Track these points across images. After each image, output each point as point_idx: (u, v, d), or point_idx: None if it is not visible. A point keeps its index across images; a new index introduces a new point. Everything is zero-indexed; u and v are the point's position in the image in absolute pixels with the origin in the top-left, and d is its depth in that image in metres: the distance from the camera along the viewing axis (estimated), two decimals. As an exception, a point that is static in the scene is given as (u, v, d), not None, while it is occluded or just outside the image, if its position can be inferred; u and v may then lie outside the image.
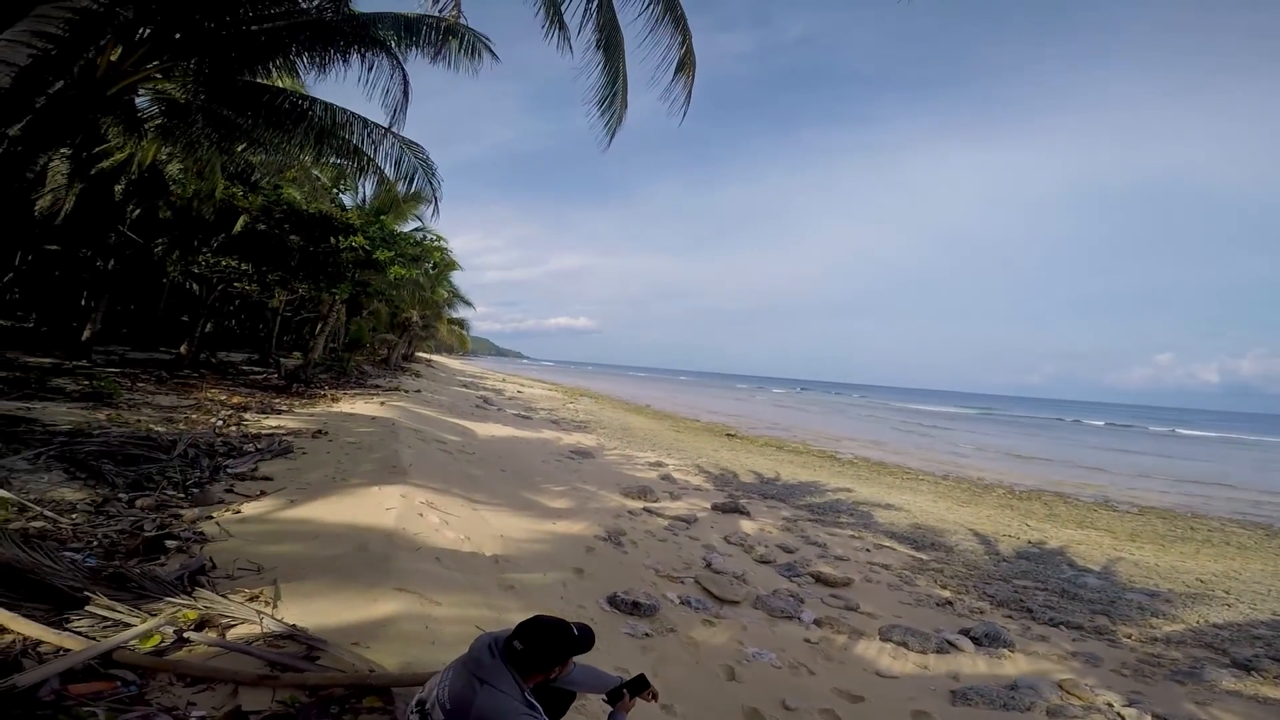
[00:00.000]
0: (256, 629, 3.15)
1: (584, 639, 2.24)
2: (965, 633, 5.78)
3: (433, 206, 10.52)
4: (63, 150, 11.23)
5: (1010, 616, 6.78)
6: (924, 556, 9.08)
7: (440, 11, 7.25)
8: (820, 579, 7.15)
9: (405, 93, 8.05)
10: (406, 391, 20.82)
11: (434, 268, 26.43)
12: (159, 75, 7.31)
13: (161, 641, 2.93)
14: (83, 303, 20.75)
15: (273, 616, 3.29)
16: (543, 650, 2.11)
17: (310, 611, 3.44)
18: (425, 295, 28.03)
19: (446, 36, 7.74)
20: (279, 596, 3.63)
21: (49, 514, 4.50)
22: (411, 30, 7.77)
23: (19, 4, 5.86)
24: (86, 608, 3.09)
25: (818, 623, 5.72)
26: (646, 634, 4.76)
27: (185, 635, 3.01)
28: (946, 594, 7.35)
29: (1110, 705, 4.41)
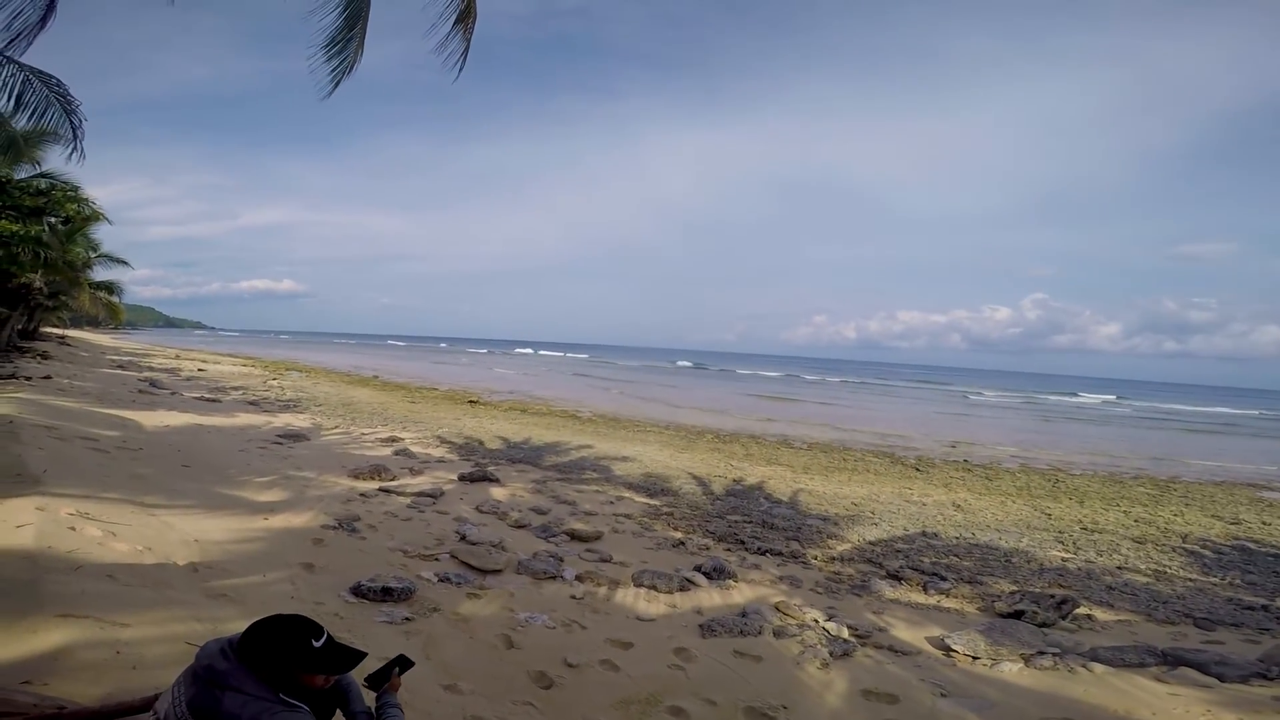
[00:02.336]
0: None
1: (341, 656, 1.94)
2: (698, 569, 6.39)
3: (72, 149, 8.17)
4: None
5: (729, 549, 7.72)
6: (656, 503, 9.89)
7: None
8: (575, 536, 7.31)
9: (45, 16, 6.14)
10: (29, 379, 15.81)
11: (65, 222, 20.37)
12: None
13: None
14: None
15: None
16: (275, 653, 1.80)
17: None
18: (52, 256, 21.32)
19: None
20: None
21: None
22: None
23: None
24: None
25: (579, 579, 5.83)
26: (407, 618, 4.36)
27: None
28: (679, 535, 8.10)
29: (816, 621, 5.23)
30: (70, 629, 3.06)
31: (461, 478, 9.75)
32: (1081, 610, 6.25)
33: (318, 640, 1.85)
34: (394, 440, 13.29)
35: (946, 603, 6.41)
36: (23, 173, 17.01)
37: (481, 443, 14.15)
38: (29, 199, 15.45)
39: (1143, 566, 8.31)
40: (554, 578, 5.73)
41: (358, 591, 4.63)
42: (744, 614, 5.25)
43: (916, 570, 7.37)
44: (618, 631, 4.67)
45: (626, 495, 10.17)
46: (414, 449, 12.32)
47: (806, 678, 4.22)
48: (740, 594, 5.97)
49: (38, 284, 25.53)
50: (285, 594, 4.37)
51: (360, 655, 1.95)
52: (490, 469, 10.54)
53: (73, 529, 4.66)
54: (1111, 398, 67.14)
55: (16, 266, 20.38)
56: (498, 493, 9.19)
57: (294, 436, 12.39)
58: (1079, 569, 7.99)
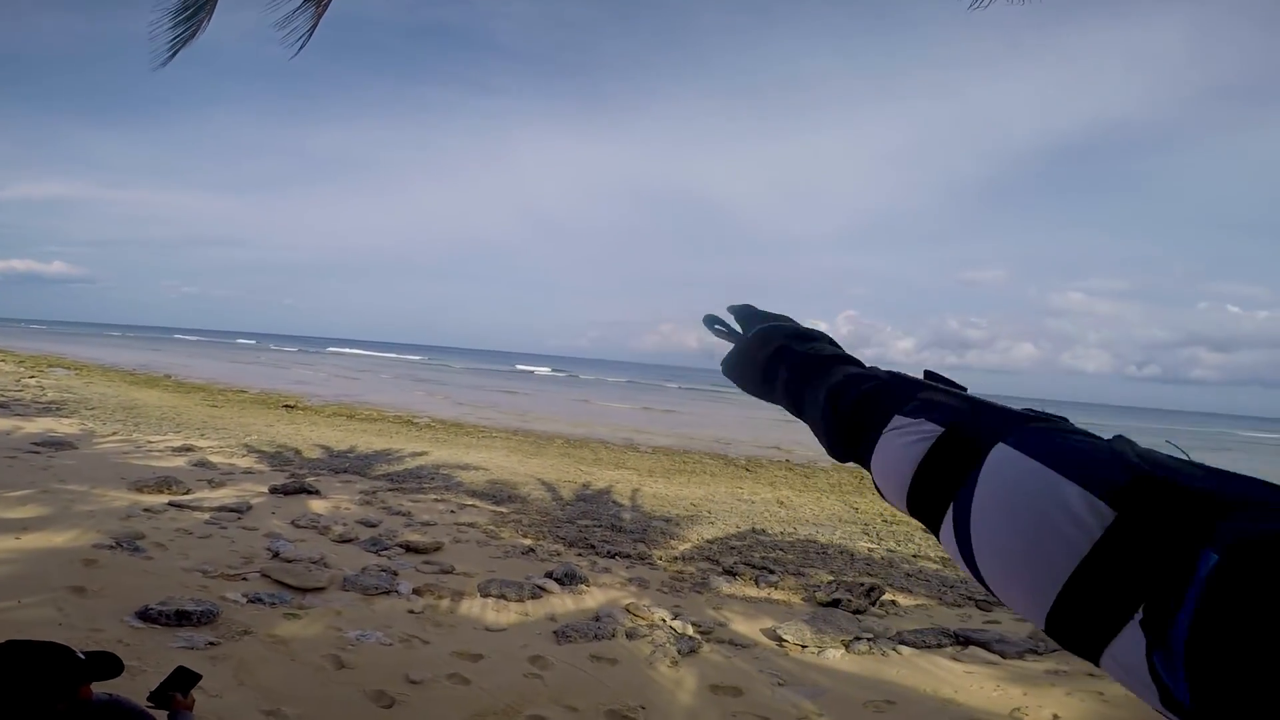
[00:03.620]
0: None
1: (96, 661, 1.77)
2: (550, 575, 6.24)
3: None
4: None
5: (580, 554, 7.65)
6: (504, 510, 9.56)
7: None
8: (410, 548, 6.80)
9: None
10: None
11: None
12: None
13: None
14: None
15: None
16: (24, 679, 1.58)
17: None
18: None
19: None
20: None
21: None
22: None
23: None
24: None
25: (417, 592, 5.41)
26: (211, 642, 3.76)
27: None
28: (528, 542, 7.87)
29: (664, 620, 5.34)
30: None
31: (273, 490, 8.69)
32: (887, 596, 6.97)
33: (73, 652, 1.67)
34: (189, 449, 11.53)
35: (776, 595, 6.84)
36: None
37: (298, 452, 12.73)
38: None
39: (933, 554, 9.50)
40: (387, 593, 5.26)
41: (145, 616, 3.91)
42: (597, 618, 5.20)
43: (749, 565, 7.80)
44: (466, 644, 4.39)
45: (470, 504, 9.69)
46: (214, 459, 10.77)
47: (659, 677, 4.26)
48: (593, 598, 5.92)
49: None
50: (50, 620, 3.63)
51: (116, 657, 1.83)
52: (309, 480, 9.51)
53: None
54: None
55: None
56: (318, 505, 8.31)
57: (57, 444, 10.28)
58: (883, 558, 8.95)
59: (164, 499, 7.58)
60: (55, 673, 1.61)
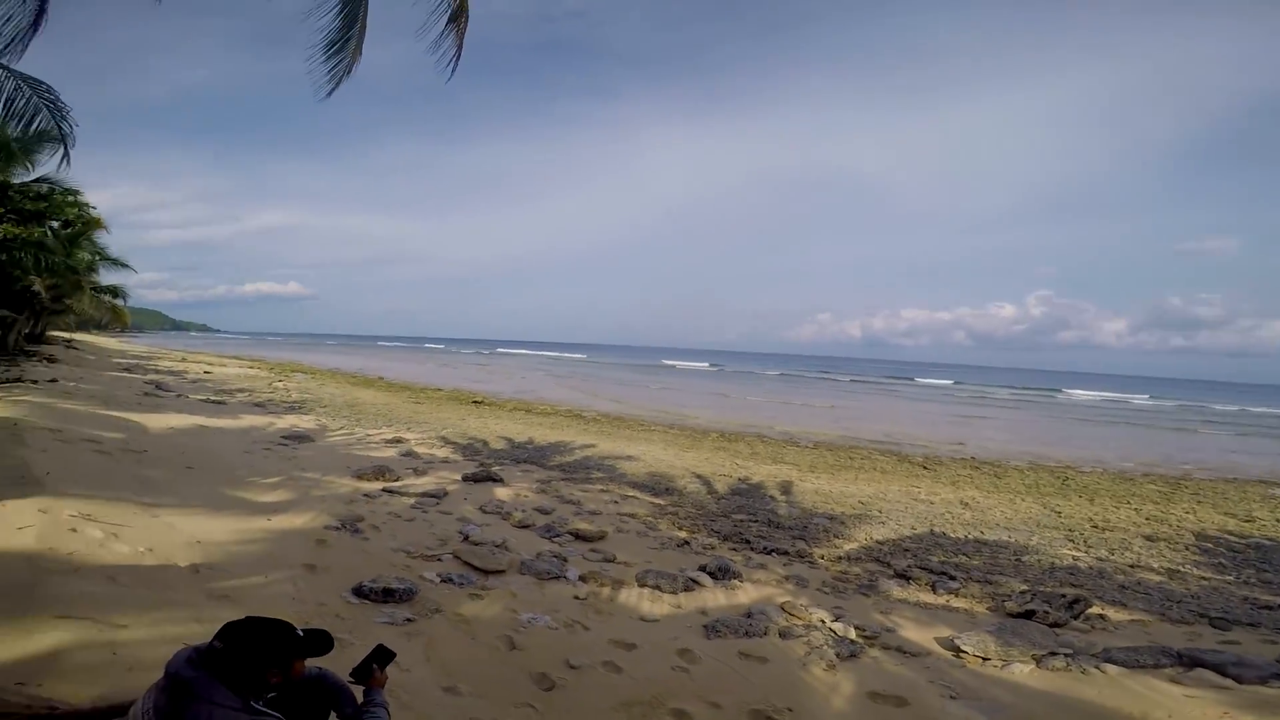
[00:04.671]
0: None
1: (313, 639, 2.00)
2: (703, 569, 6.31)
3: (61, 153, 8.24)
4: None
5: (734, 549, 7.67)
6: (661, 502, 9.84)
7: None
8: (578, 536, 7.25)
9: (37, 20, 6.18)
10: (34, 382, 15.87)
11: (65, 226, 20.51)
12: None
13: None
14: None
15: None
16: (247, 650, 1.82)
17: None
18: (54, 260, 21.37)
19: None
20: None
21: None
22: None
23: None
24: None
25: (583, 579, 5.77)
26: (408, 619, 4.32)
27: None
28: (683, 534, 8.04)
29: (823, 622, 5.16)
30: (67, 630, 3.04)
31: (465, 478, 9.71)
32: (1094, 610, 6.16)
33: (293, 629, 1.93)
34: (399, 441, 13.28)
35: (956, 602, 6.33)
36: (22, 177, 17.07)
37: (485, 443, 14.12)
38: (29, 203, 15.54)
39: (1156, 565, 8.20)
40: (557, 578, 5.68)
41: (359, 592, 4.59)
42: (749, 614, 5.18)
43: (925, 569, 7.29)
44: (621, 632, 4.61)
45: (631, 495, 10.11)
46: (418, 450, 12.30)
47: (812, 679, 4.15)
48: (745, 594, 5.90)
49: (38, 288, 25.65)
50: (287, 595, 4.34)
51: (329, 635, 2.03)
52: (494, 469, 10.50)
53: (74, 530, 4.65)
54: (1120, 395, 66.72)
55: (19, 270, 20.46)
56: (501, 493, 9.15)
57: (299, 438, 12.38)
58: (1090, 567, 7.89)
59: (379, 485, 8.77)
60: (275, 647, 1.88)
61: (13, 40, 6.31)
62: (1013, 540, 8.94)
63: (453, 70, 6.72)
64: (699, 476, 12.01)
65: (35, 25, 6.34)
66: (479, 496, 8.78)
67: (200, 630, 3.32)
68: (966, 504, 11.18)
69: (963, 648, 4.78)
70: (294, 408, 18.16)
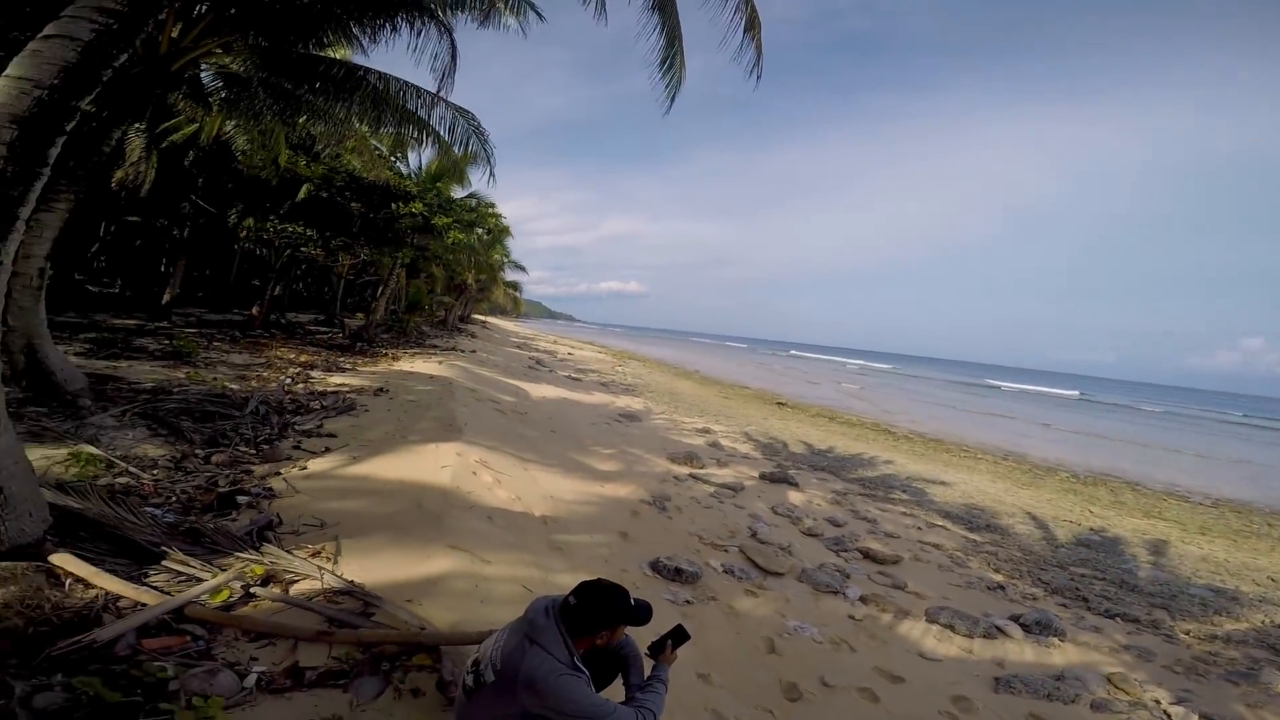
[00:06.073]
0: (318, 584, 3.32)
1: (639, 610, 2.23)
2: (1015, 619, 5.64)
3: (486, 172, 10.58)
4: (138, 125, 11.75)
5: (1064, 605, 6.57)
6: (978, 538, 8.86)
7: None
8: (868, 555, 7.07)
9: (453, 58, 8.09)
10: (463, 352, 21.35)
11: (488, 233, 26.76)
12: (219, 50, 7.53)
13: (230, 596, 3.10)
14: (162, 268, 21.98)
15: (333, 572, 3.46)
16: (595, 610, 2.11)
17: (368, 567, 3.59)
18: (480, 259, 28.61)
19: None
20: (340, 552, 3.81)
21: (133, 470, 4.84)
22: None
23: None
24: (163, 563, 3.30)
25: (863, 599, 5.68)
26: (688, 601, 4.81)
27: (252, 590, 3.17)
28: (999, 578, 7.17)
29: (1157, 702, 4.25)
30: (453, 559, 3.77)
31: (762, 476, 10.13)
32: None
33: (630, 600, 2.20)
34: (707, 431, 14.39)
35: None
36: (458, 194, 22.77)
37: (785, 445, 14.39)
38: (467, 214, 20.62)
39: None
40: (835, 593, 5.70)
41: (655, 566, 5.29)
42: (1059, 677, 4.53)
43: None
44: (891, 663, 4.46)
45: (940, 524, 9.34)
46: (723, 442, 13.17)
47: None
48: (1063, 655, 5.12)
49: (471, 281, 34.36)
50: (601, 557, 5.15)
51: (651, 609, 2.26)
52: (790, 472, 10.72)
53: (474, 473, 6.07)
54: None
55: (460, 267, 27.85)
56: (794, 496, 9.33)
57: (630, 417, 14.36)
58: None
59: (686, 470, 9.71)
60: (615, 612, 2.16)
61: (443, 76, 8.31)
62: None
63: (758, 76, 7.16)
64: (1033, 518, 10.44)
65: (454, 61, 8.31)
66: (772, 496, 9.10)
67: (537, 575, 4.07)
68: None
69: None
70: (628, 390, 20.99)
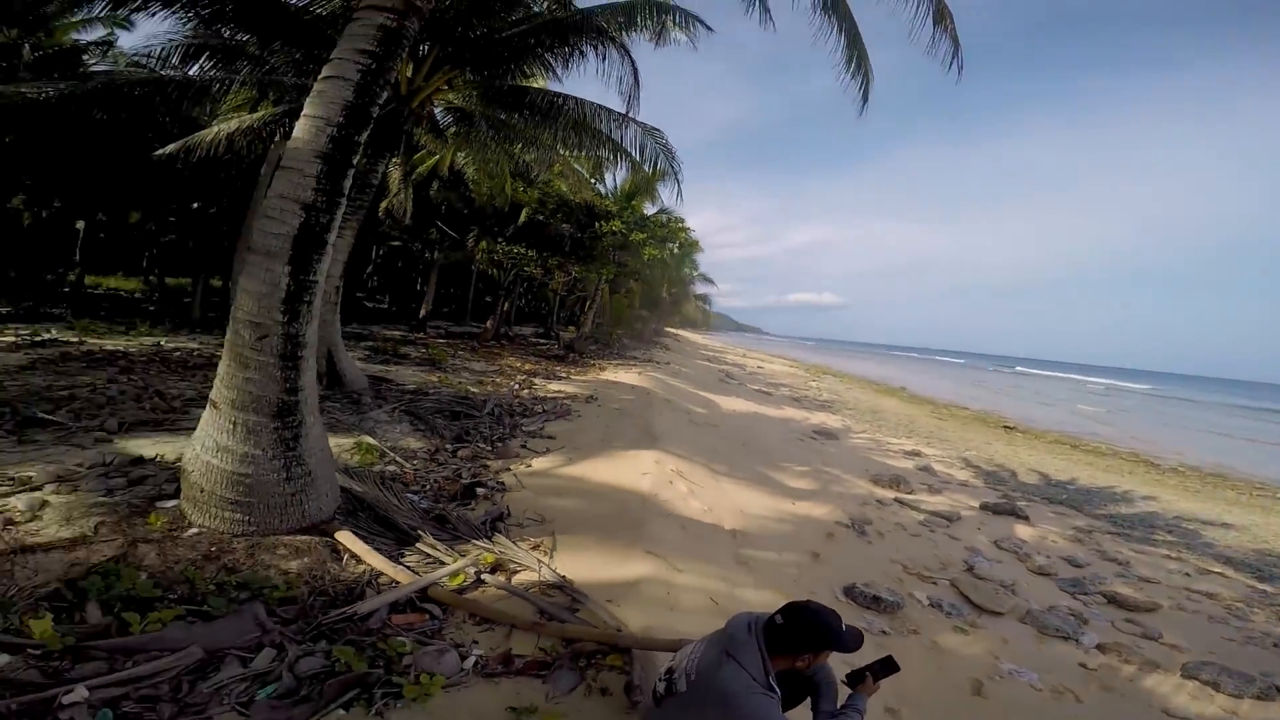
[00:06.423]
0: (534, 576, 3.74)
1: (849, 637, 2.16)
2: (1311, 684, 4.50)
3: (675, 189, 10.96)
4: (395, 159, 14.13)
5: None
6: (1269, 589, 7.19)
7: None
8: (1114, 600, 6.09)
9: (636, 79, 8.57)
10: (658, 364, 22.32)
11: (679, 248, 27.50)
12: (445, 87, 8.83)
13: (464, 581, 3.58)
14: (418, 287, 26.12)
15: (549, 566, 3.88)
16: (800, 632, 2.09)
17: (577, 565, 3.95)
18: (672, 274, 29.73)
19: (660, 14, 8.00)
20: (555, 548, 4.27)
21: (398, 460, 5.88)
22: (628, 14, 8.15)
23: (333, 21, 7.50)
24: (417, 545, 3.96)
25: (1100, 648, 4.93)
26: (884, 631, 4.57)
27: (483, 577, 3.65)
28: (1297, 637, 5.74)
29: None
30: (648, 565, 3.95)
31: (984, 506, 9.17)
32: None
33: (840, 625, 2.14)
34: (916, 454, 13.35)
35: None
36: (649, 210, 23.61)
37: (1013, 473, 12.81)
38: (659, 230, 21.44)
39: None
40: (1066, 638, 5.00)
41: (850, 592, 5.07)
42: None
43: None
44: (1126, 719, 3.85)
45: (1217, 570, 7.72)
46: (936, 467, 12.13)
47: None
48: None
49: (665, 295, 35.86)
50: (790, 577, 5.04)
51: (862, 636, 2.20)
52: (1019, 504, 9.55)
53: (670, 482, 6.35)
54: None
55: (655, 282, 29.22)
56: (1023, 531, 8.31)
57: (826, 434, 13.88)
58: None
59: (891, 494, 9.12)
60: (823, 636, 2.09)
61: (629, 98, 8.74)
62: None
63: (959, 67, 6.59)
64: (1357, 575, 8.17)
65: (636, 82, 8.68)
66: (996, 529, 8.20)
67: (724, 589, 4.11)
68: None
69: None
70: (823, 406, 20.23)
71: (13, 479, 3.93)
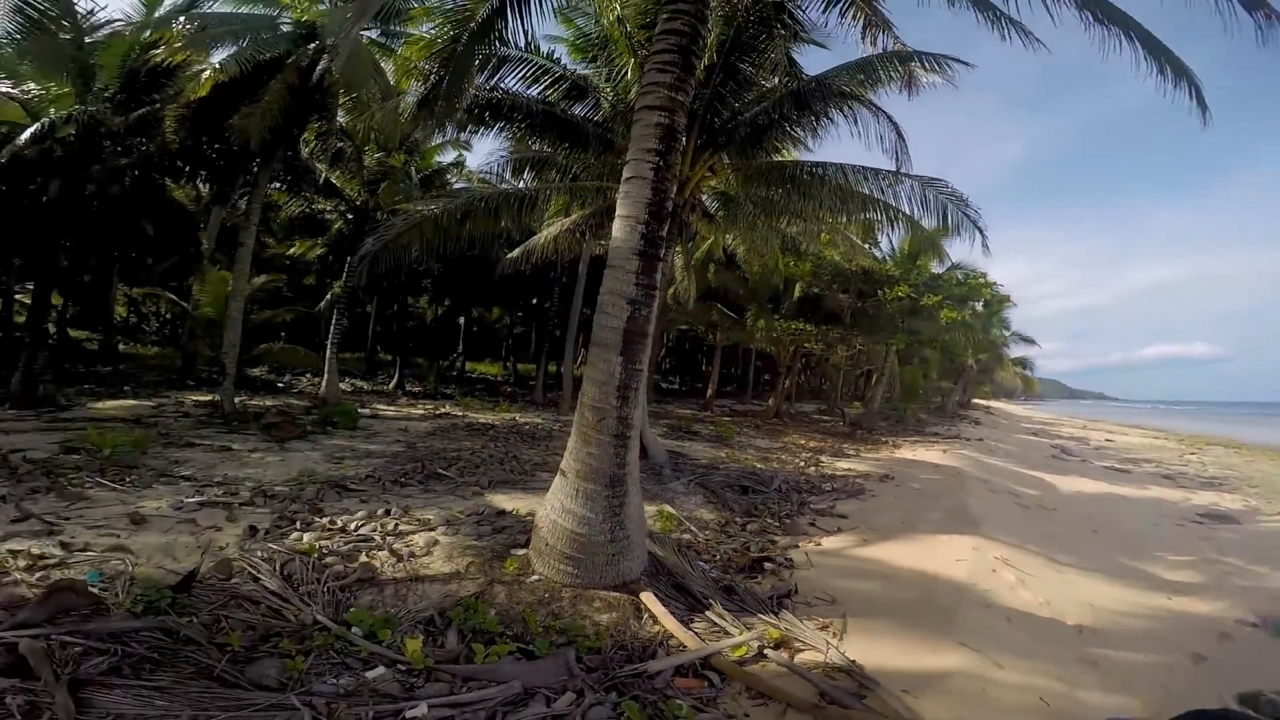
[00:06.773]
0: (820, 657, 3.57)
1: None
2: None
3: (975, 240, 9.93)
4: (678, 248, 15.42)
5: None
6: None
7: (874, 45, 6.84)
8: None
9: (899, 133, 8.06)
10: (967, 439, 19.76)
11: (983, 306, 24.26)
12: (709, 173, 9.40)
13: (746, 653, 3.57)
14: (702, 367, 27.83)
15: (837, 648, 3.66)
16: None
17: (870, 650, 3.67)
18: (978, 337, 26.05)
19: (903, 63, 7.38)
20: (845, 630, 4.03)
21: (693, 529, 6.14)
22: (867, 71, 7.72)
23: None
24: (706, 612, 4.06)
25: None
26: None
27: (765, 651, 3.60)
28: None
29: None
30: (960, 657, 3.60)
31: None
32: None
33: None
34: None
35: None
36: (936, 269, 21.16)
37: None
38: (955, 288, 19.28)
39: None
40: None
41: (1249, 701, 3.71)
42: None
43: None
44: None
45: None
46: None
47: None
48: None
49: (970, 362, 31.75)
50: (1159, 681, 3.99)
51: None
52: None
53: (993, 571, 5.65)
54: None
55: (957, 347, 26.00)
56: None
57: (1219, 518, 10.71)
58: None
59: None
60: None
61: (896, 153, 7.77)
62: None
63: None
64: None
65: (900, 135, 7.83)
66: None
67: (1060, 689, 3.47)
68: None
69: None
70: (1210, 484, 15.57)
71: (419, 520, 5.39)
